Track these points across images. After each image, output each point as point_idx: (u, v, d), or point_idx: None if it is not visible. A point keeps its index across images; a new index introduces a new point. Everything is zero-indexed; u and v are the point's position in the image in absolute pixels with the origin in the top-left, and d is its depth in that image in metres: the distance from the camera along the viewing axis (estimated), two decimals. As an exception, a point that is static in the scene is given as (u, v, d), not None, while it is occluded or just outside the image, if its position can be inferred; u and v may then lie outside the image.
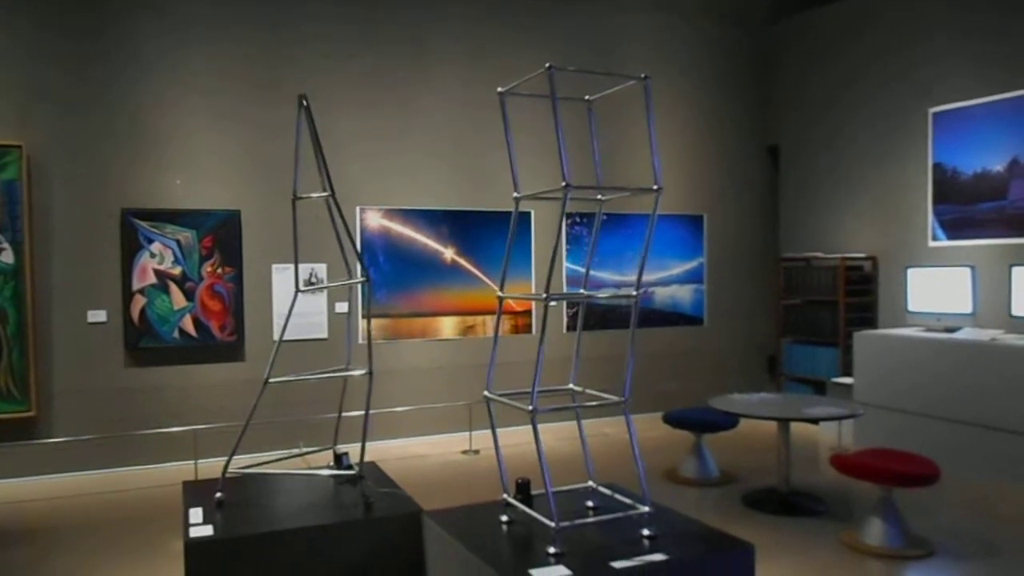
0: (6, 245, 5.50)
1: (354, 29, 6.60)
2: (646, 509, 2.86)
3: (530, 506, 2.95)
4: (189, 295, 6.04)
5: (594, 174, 3.38)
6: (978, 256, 6.17)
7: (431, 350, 6.89)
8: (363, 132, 6.61)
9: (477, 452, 6.34)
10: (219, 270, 6.12)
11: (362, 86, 6.62)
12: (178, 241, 6.01)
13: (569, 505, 3.06)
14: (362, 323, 6.58)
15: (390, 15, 6.72)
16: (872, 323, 7.12)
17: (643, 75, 2.92)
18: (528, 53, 6.97)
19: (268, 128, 6.17)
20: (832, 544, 4.25)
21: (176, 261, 6.01)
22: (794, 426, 5.10)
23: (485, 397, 2.98)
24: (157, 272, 5.95)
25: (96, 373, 5.82)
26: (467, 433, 6.51)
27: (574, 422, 3.30)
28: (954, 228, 6.42)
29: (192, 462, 5.70)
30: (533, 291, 7.09)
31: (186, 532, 2.99)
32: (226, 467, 3.34)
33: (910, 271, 6.51)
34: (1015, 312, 5.70)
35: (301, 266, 6.15)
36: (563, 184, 2.63)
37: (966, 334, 5.82)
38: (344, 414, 3.97)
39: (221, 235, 6.12)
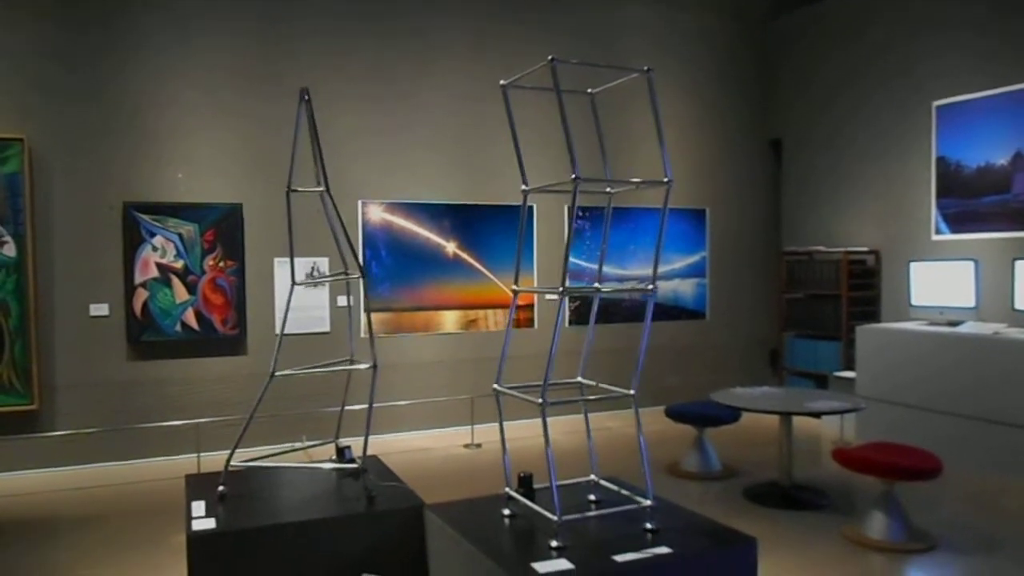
0: (8, 238, 5.50)
1: (355, 23, 6.58)
2: (648, 503, 2.86)
3: (532, 500, 2.95)
4: (191, 289, 6.04)
5: (598, 168, 3.37)
6: (981, 250, 6.15)
7: (433, 344, 6.89)
8: (365, 126, 6.60)
9: (479, 446, 6.35)
10: (221, 264, 6.12)
11: (364, 80, 6.60)
12: (180, 235, 6.01)
13: (571, 499, 3.06)
14: (364, 317, 6.58)
15: (391, 8, 6.70)
16: (875, 317, 7.11)
17: (646, 68, 2.90)
18: (529, 47, 6.96)
19: (270, 122, 6.16)
20: (834, 538, 4.25)
21: (178, 255, 6.00)
22: (796, 420, 5.10)
23: (495, 390, 2.98)
24: (159, 266, 5.95)
25: (98, 366, 5.83)
26: (469, 427, 6.51)
27: (577, 416, 3.29)
28: (957, 222, 6.40)
29: (195, 455, 5.71)
30: (536, 285, 7.09)
31: (189, 525, 2.99)
32: (229, 460, 3.35)
33: (913, 265, 6.50)
34: (1018, 306, 5.69)
35: (303, 260, 6.21)
36: (572, 177, 2.61)
37: (969, 328, 5.81)
38: (346, 408, 3.97)
39: (223, 229, 6.11)
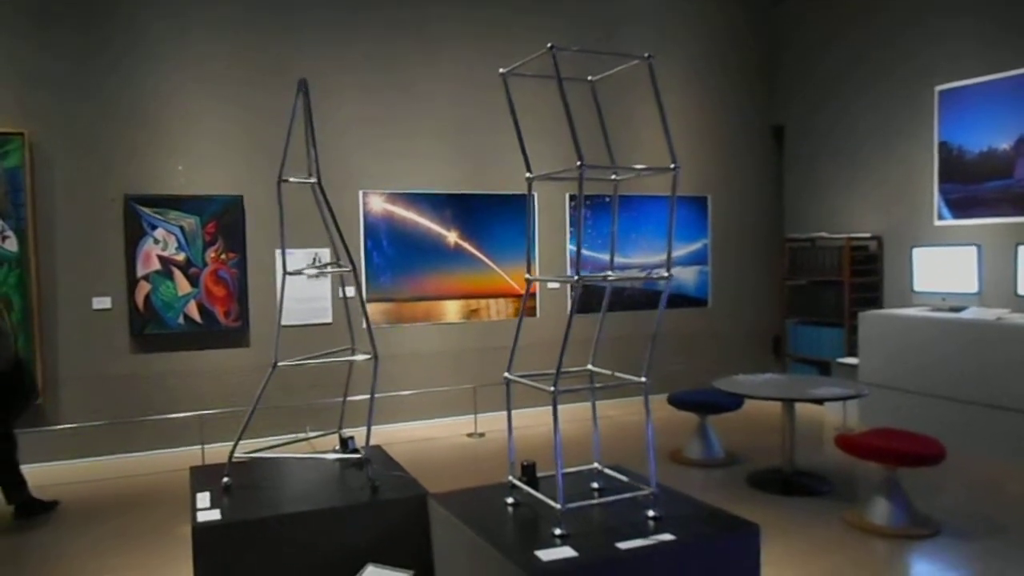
0: (10, 232, 5.51)
1: (356, 13, 6.55)
2: (651, 490, 2.86)
3: (536, 488, 2.96)
4: (193, 281, 6.05)
5: (598, 155, 3.35)
6: (984, 235, 6.13)
7: (435, 334, 6.90)
8: (366, 116, 6.58)
9: (482, 435, 6.36)
10: (223, 256, 6.12)
11: (365, 70, 6.58)
12: (181, 227, 6.01)
13: (574, 487, 3.06)
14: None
15: (391, -3, 6.67)
16: (877, 303, 7.10)
17: (646, 54, 2.88)
18: (530, 35, 6.92)
19: (270, 113, 6.14)
20: (837, 524, 4.27)
21: (180, 247, 6.01)
22: (799, 407, 5.11)
23: (505, 378, 2.97)
24: (161, 258, 5.95)
25: (101, 360, 5.84)
26: (472, 416, 6.53)
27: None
28: (960, 207, 6.38)
29: (199, 447, 5.73)
30: (538, 273, 7.09)
31: (194, 516, 3.00)
32: (232, 451, 3.36)
33: (916, 251, 6.48)
34: (1021, 291, 5.68)
35: (306, 251, 6.20)
36: (577, 164, 2.59)
37: (972, 313, 5.80)
38: (349, 398, 3.98)
39: (224, 221, 6.11)
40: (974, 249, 6.03)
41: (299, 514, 3.08)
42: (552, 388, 2.66)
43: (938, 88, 6.52)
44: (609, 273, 3.17)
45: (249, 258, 6.18)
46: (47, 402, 5.64)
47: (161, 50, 5.97)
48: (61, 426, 5.69)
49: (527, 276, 3.15)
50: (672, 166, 2.78)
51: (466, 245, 6.96)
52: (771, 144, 8.41)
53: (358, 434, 3.66)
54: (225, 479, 3.31)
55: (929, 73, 6.61)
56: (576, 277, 2.66)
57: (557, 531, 2.64)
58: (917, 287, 6.45)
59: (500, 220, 7.04)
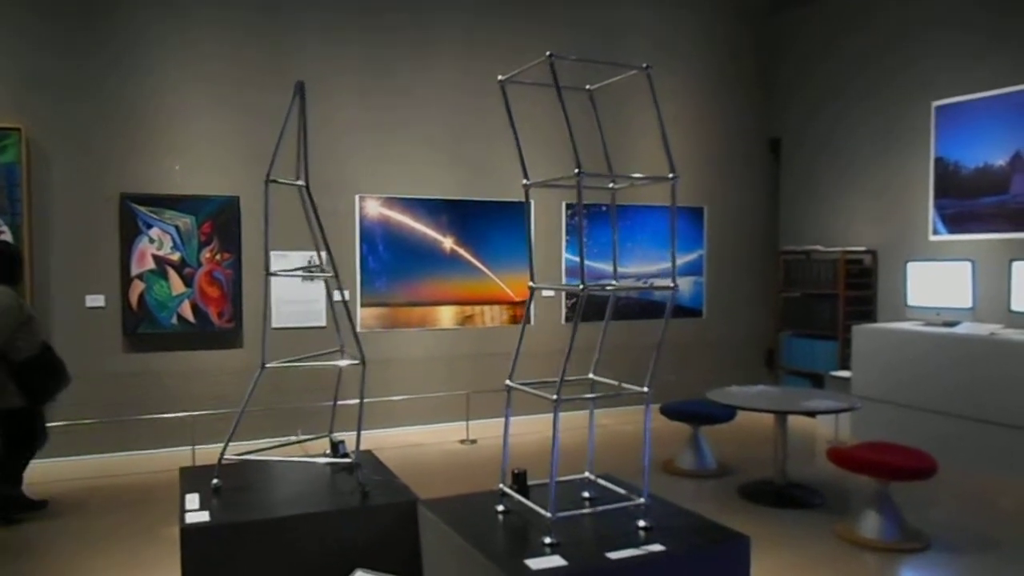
0: (5, 228, 5.48)
1: (355, 17, 6.56)
2: (642, 500, 2.86)
3: (526, 496, 2.95)
4: (188, 281, 6.03)
5: (596, 164, 3.35)
6: (978, 250, 6.16)
7: (429, 339, 6.89)
8: (363, 120, 6.59)
9: (474, 442, 6.35)
10: (218, 256, 6.11)
11: (362, 74, 6.59)
12: (177, 227, 5.99)
13: (565, 496, 3.05)
14: (359, 312, 6.58)
15: (391, 3, 6.68)
16: (871, 317, 7.12)
17: (644, 64, 2.89)
18: (529, 44, 6.93)
19: (267, 114, 6.12)
20: (828, 537, 4.26)
21: (175, 247, 5.99)
22: (791, 419, 5.11)
23: (507, 386, 2.97)
24: (156, 258, 5.94)
25: (94, 358, 5.81)
26: (464, 423, 6.51)
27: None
28: (955, 222, 6.40)
29: (189, 448, 5.71)
30: (533, 281, 7.06)
31: (182, 518, 2.98)
32: (222, 453, 3.34)
33: (910, 265, 6.50)
34: (1015, 307, 5.70)
35: (302, 253, 6.18)
36: (575, 171, 2.59)
37: (965, 328, 5.82)
38: (341, 402, 3.96)
39: (220, 221, 6.10)
40: (968, 264, 6.05)
41: (288, 518, 3.06)
42: (555, 396, 2.65)
43: (935, 103, 6.55)
44: (613, 282, 3.16)
45: (244, 259, 6.17)
46: (37, 400, 5.60)
47: (160, 50, 5.97)
48: (51, 424, 5.64)
49: (530, 284, 3.14)
50: (671, 175, 2.78)
51: (461, 251, 6.96)
52: (767, 156, 8.43)
53: (349, 438, 3.65)
54: (215, 481, 3.29)
55: (926, 88, 6.65)
56: (582, 286, 2.65)
57: (547, 540, 2.62)
58: (911, 301, 6.47)
59: (496, 227, 7.04)
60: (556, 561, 2.51)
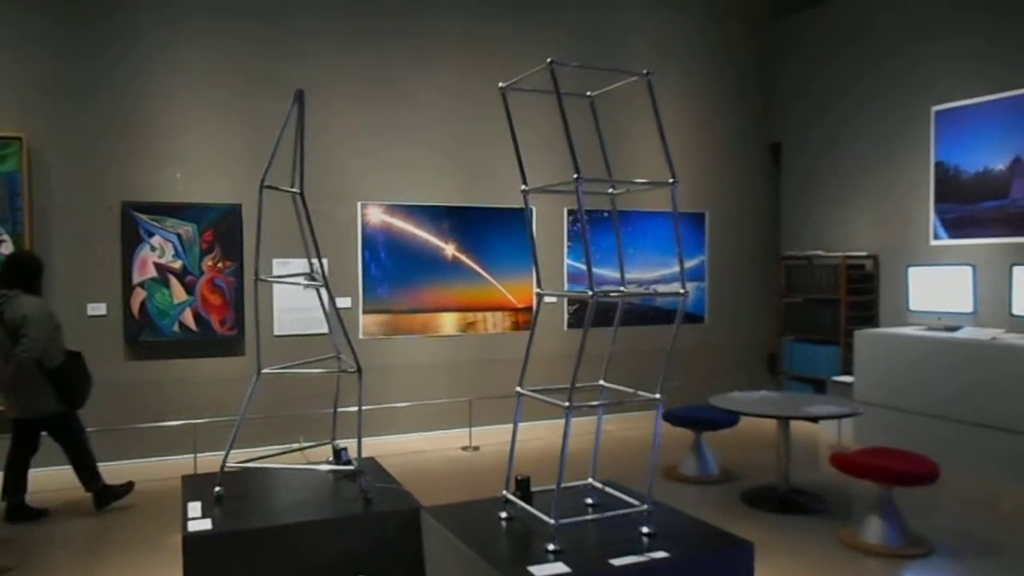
0: (6, 237, 5.50)
1: (355, 24, 6.59)
2: (646, 507, 2.85)
3: (530, 503, 2.95)
4: (189, 289, 6.04)
5: (597, 170, 3.36)
6: (979, 255, 6.16)
7: (432, 346, 6.88)
8: (364, 127, 6.60)
9: (477, 448, 6.34)
10: (219, 264, 6.12)
11: (363, 81, 6.61)
12: (179, 235, 6.00)
13: (568, 502, 3.05)
14: (361, 318, 6.58)
15: (392, 9, 6.70)
16: (873, 322, 7.11)
17: (645, 71, 2.90)
18: (530, 49, 6.95)
19: (269, 122, 6.09)
20: (831, 542, 4.25)
21: (176, 255, 6.00)
22: (794, 424, 5.10)
23: (517, 393, 2.97)
24: (157, 266, 5.95)
25: (96, 366, 5.76)
26: (467, 429, 6.50)
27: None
28: (956, 227, 6.40)
29: (191, 456, 5.70)
30: (535, 287, 7.08)
31: (184, 526, 2.99)
32: (224, 461, 3.34)
33: (911, 270, 6.50)
34: (1016, 311, 5.69)
35: (303, 261, 6.17)
36: (574, 176, 2.60)
37: (967, 333, 5.81)
38: (342, 409, 3.96)
39: (222, 229, 6.11)
40: (969, 269, 6.05)
41: (291, 525, 3.06)
42: (567, 404, 2.65)
43: (934, 108, 6.56)
44: (622, 288, 3.16)
45: (246, 267, 6.17)
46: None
47: (161, 58, 5.99)
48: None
49: (537, 291, 3.14)
50: (671, 180, 2.79)
51: (463, 258, 6.97)
52: (768, 161, 8.44)
53: (351, 445, 3.65)
54: (217, 489, 3.29)
55: (926, 93, 6.65)
56: (591, 292, 2.64)
57: (550, 547, 2.62)
58: (913, 306, 6.46)
59: (498, 233, 7.05)
60: (559, 568, 2.51)
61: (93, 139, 5.81)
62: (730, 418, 5.48)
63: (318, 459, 3.96)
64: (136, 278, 5.89)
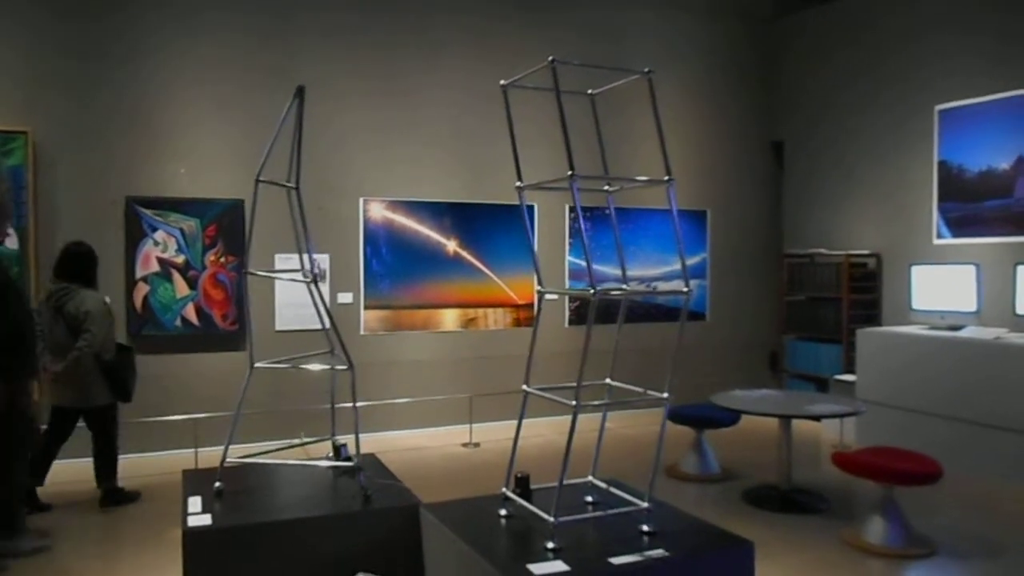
0: (11, 231, 5.49)
1: (359, 20, 6.57)
2: (645, 505, 2.85)
3: (529, 500, 2.94)
4: (192, 284, 6.04)
5: (601, 167, 3.36)
6: (983, 254, 6.13)
7: (433, 342, 6.88)
8: (367, 123, 6.60)
9: (477, 445, 6.34)
10: (222, 259, 6.12)
11: (366, 77, 6.60)
12: (182, 230, 6.01)
13: (568, 500, 3.04)
14: (363, 315, 6.58)
15: (396, 6, 6.69)
16: (876, 320, 7.09)
17: (646, 69, 2.89)
18: (533, 46, 6.94)
19: (273, 118, 6.04)
20: (833, 542, 4.24)
21: (179, 249, 6.00)
22: (796, 423, 5.09)
23: (523, 391, 2.96)
24: (160, 260, 5.95)
25: (98, 361, 5.81)
26: (467, 426, 6.50)
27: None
28: (959, 226, 6.38)
29: (192, 450, 5.71)
30: (536, 285, 7.07)
31: (185, 521, 2.99)
32: (224, 456, 3.34)
33: (914, 268, 6.48)
34: (1019, 311, 5.67)
35: (305, 257, 6.18)
36: (568, 173, 2.59)
37: (970, 332, 5.79)
38: (342, 405, 3.96)
39: (225, 224, 6.11)
40: (973, 268, 6.03)
41: (291, 521, 3.07)
42: (574, 402, 2.65)
43: (938, 107, 6.53)
44: (624, 286, 3.15)
45: (249, 262, 6.15)
46: (41, 401, 5.61)
47: (166, 53, 5.98)
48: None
49: (538, 288, 3.14)
50: (666, 178, 2.78)
51: (465, 254, 6.96)
52: (770, 159, 8.42)
53: (351, 441, 3.65)
54: (217, 484, 3.29)
55: (929, 92, 6.63)
56: (593, 291, 2.63)
57: (550, 545, 2.62)
58: (916, 305, 6.44)
59: (500, 230, 7.04)
60: (559, 566, 2.51)
61: (98, 134, 5.82)
62: (731, 416, 5.47)
63: (318, 455, 3.96)
64: (139, 272, 5.89)
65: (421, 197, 6.79)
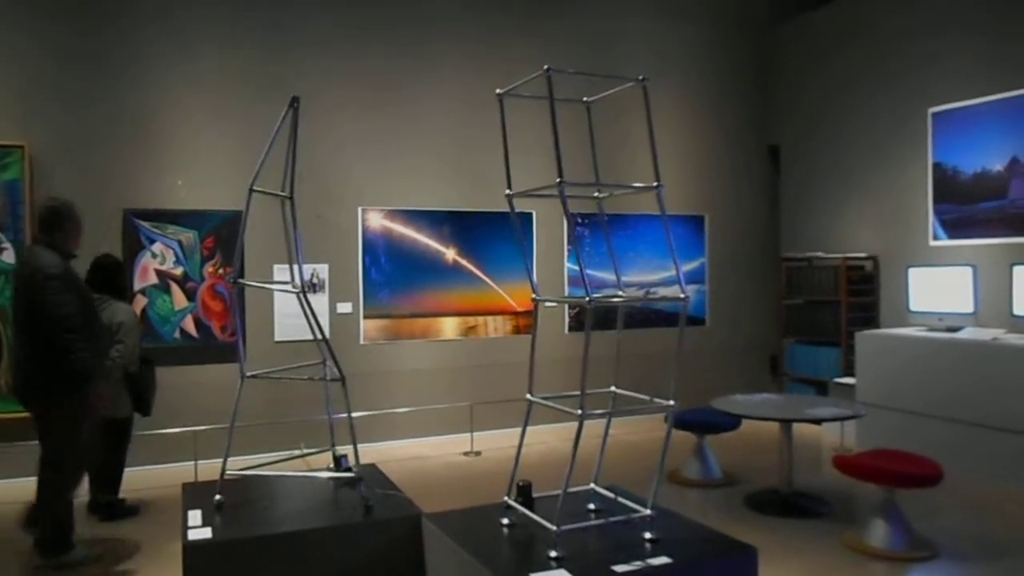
0: (7, 245, 5.50)
1: (356, 30, 6.59)
2: (648, 512, 2.84)
3: (531, 509, 2.94)
4: (190, 295, 6.03)
5: (600, 174, 3.37)
6: (979, 255, 6.15)
7: (432, 351, 6.88)
8: (365, 133, 6.60)
9: (478, 454, 6.33)
10: (220, 270, 6.11)
11: (364, 87, 6.61)
12: (180, 241, 6.00)
13: (570, 507, 3.04)
14: (363, 324, 6.57)
15: (393, 16, 6.71)
16: (874, 323, 7.10)
17: (641, 77, 2.90)
18: (529, 55, 6.96)
19: (270, 129, 6.11)
20: (835, 546, 4.24)
21: (177, 261, 6.00)
22: (796, 427, 5.08)
23: (527, 400, 2.96)
24: (158, 272, 5.95)
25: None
26: (468, 434, 6.49)
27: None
28: (955, 227, 6.40)
29: (192, 463, 5.69)
30: (536, 294, 7.07)
31: (185, 534, 2.98)
32: (223, 469, 3.33)
33: (911, 271, 6.49)
34: (1016, 311, 5.68)
35: (304, 267, 6.18)
36: (557, 180, 2.60)
37: (968, 334, 5.80)
38: (340, 416, 3.95)
39: (222, 236, 6.11)
40: (969, 269, 6.04)
41: (291, 533, 3.05)
42: (579, 411, 2.64)
43: (931, 110, 6.56)
44: (620, 293, 3.16)
45: (247, 273, 6.16)
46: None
47: (163, 65, 5.99)
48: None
49: (534, 297, 3.14)
50: (655, 184, 2.79)
51: (464, 262, 6.96)
52: (767, 164, 8.44)
53: (352, 452, 3.64)
54: (217, 497, 3.28)
55: (923, 94, 6.65)
56: (588, 298, 2.64)
57: (552, 553, 2.61)
58: (913, 307, 6.45)
59: (498, 238, 7.05)
60: (562, 575, 2.50)
61: (95, 147, 5.82)
62: (732, 421, 5.46)
63: (319, 466, 3.95)
64: (137, 284, 5.89)
65: (419, 206, 6.79)
